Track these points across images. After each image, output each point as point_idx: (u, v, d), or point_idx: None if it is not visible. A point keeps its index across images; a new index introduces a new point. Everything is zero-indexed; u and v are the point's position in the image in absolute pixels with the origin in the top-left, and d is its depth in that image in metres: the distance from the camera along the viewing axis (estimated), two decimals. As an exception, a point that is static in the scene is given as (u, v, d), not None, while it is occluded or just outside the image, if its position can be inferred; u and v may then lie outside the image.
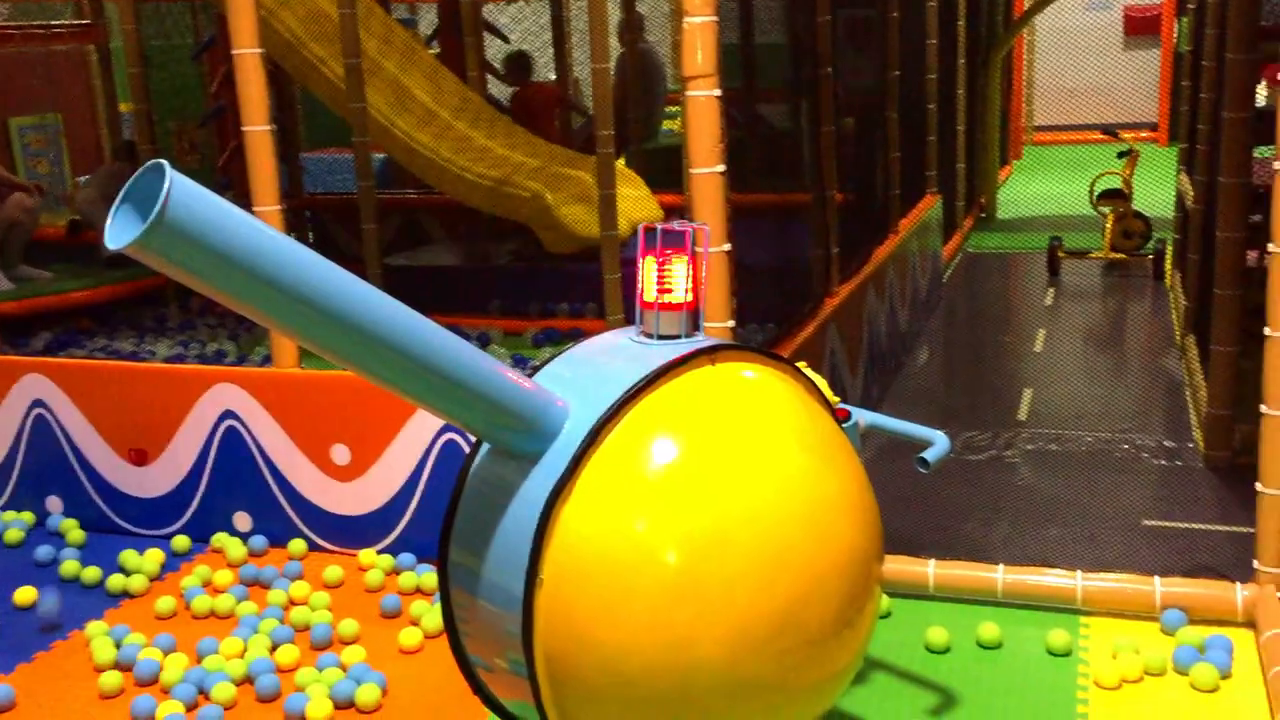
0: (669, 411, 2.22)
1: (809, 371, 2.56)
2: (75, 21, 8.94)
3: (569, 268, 6.53)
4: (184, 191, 1.67)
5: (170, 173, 1.65)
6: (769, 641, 2.18)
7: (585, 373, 2.35)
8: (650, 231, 2.36)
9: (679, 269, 2.34)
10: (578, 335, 5.04)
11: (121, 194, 1.72)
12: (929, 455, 2.76)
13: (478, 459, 2.38)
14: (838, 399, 2.73)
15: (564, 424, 2.21)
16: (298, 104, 8.18)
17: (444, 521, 2.38)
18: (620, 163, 6.52)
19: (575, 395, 2.25)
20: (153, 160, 1.69)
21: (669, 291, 2.35)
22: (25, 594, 3.84)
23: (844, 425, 2.64)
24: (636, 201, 6.55)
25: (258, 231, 1.79)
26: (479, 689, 2.43)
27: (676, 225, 2.36)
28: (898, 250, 6.29)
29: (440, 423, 3.87)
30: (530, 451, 2.22)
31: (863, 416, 2.86)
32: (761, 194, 4.98)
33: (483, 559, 2.26)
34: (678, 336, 2.37)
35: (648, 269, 2.36)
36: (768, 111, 5.43)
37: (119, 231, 1.70)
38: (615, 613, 2.13)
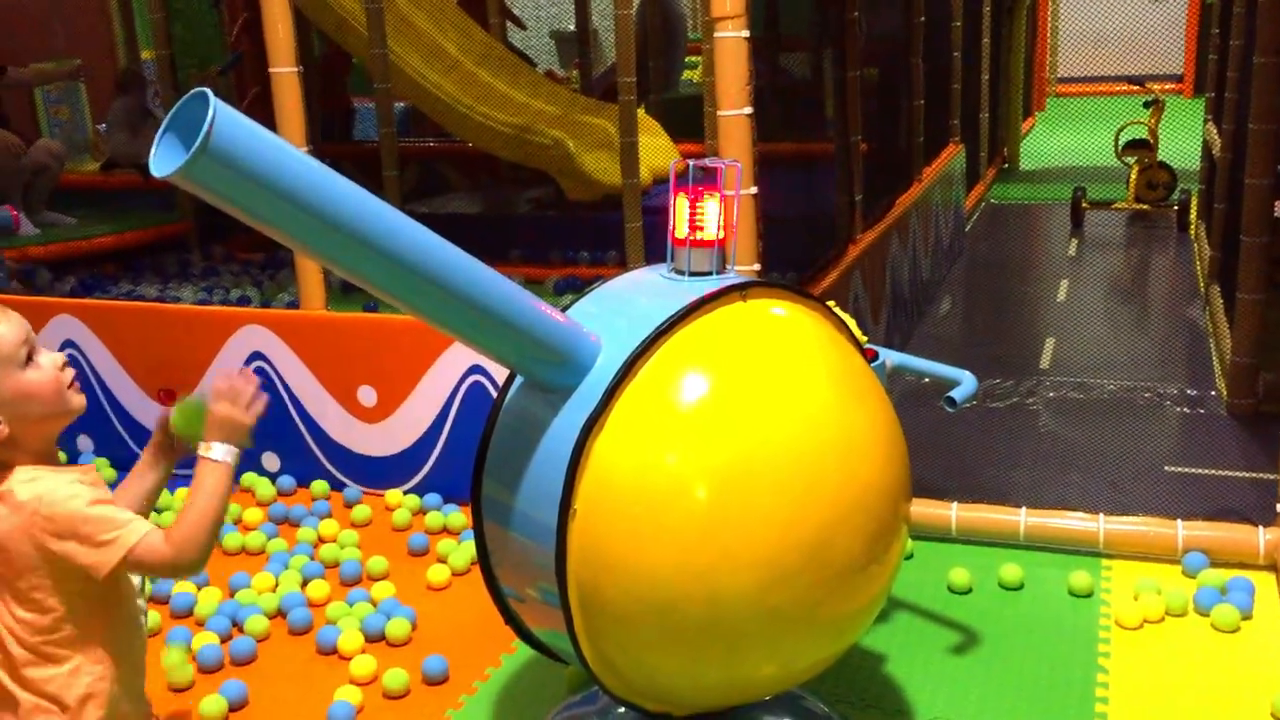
0: (701, 346, 2.24)
1: (838, 310, 2.57)
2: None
3: (590, 216, 6.54)
4: (228, 120, 1.69)
5: (214, 101, 1.66)
6: (797, 573, 2.21)
7: (618, 308, 2.37)
8: (683, 168, 2.37)
9: (711, 205, 2.35)
10: (599, 282, 5.04)
11: (165, 122, 1.73)
12: (956, 394, 2.77)
13: (510, 394, 2.40)
14: (866, 338, 2.75)
15: (597, 358, 2.23)
16: (316, 52, 8.17)
17: (476, 456, 2.41)
18: (640, 111, 6.50)
19: (608, 330, 2.27)
20: (197, 88, 1.70)
21: (701, 228, 2.36)
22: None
23: (872, 364, 2.66)
24: (657, 150, 6.56)
25: (300, 161, 1.80)
26: (511, 619, 2.47)
27: (709, 162, 2.37)
28: (921, 199, 6.27)
29: (466, 365, 3.90)
30: (564, 385, 2.24)
31: (890, 356, 2.88)
32: (787, 141, 4.96)
33: (516, 492, 2.29)
34: (709, 273, 2.38)
35: (680, 205, 2.36)
36: (793, 59, 5.39)
37: (163, 160, 1.71)
38: (646, 543, 2.15)
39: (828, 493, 2.24)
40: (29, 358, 1.86)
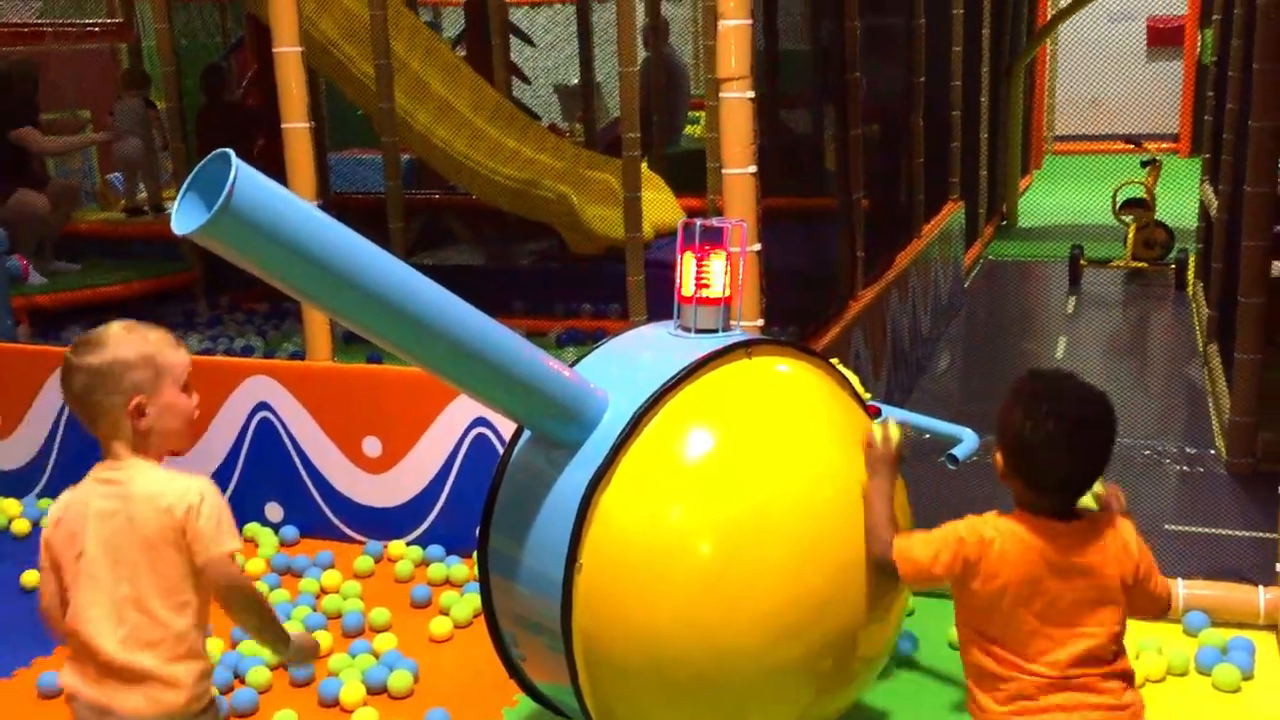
0: (706, 402, 2.27)
1: (842, 367, 2.60)
2: (108, 20, 9.04)
3: (593, 268, 6.59)
4: (249, 180, 1.73)
5: (236, 162, 1.71)
6: (800, 629, 2.23)
7: (625, 364, 2.41)
8: (689, 227, 2.41)
9: (718, 264, 2.39)
10: (601, 336, 5.08)
11: (187, 181, 1.78)
12: (958, 452, 2.80)
13: (518, 448, 2.43)
14: (869, 395, 2.78)
15: (604, 413, 2.27)
16: (323, 104, 8.26)
17: (484, 510, 2.43)
18: (643, 166, 6.58)
19: (615, 386, 2.31)
20: (219, 149, 1.75)
21: (707, 286, 2.40)
22: (61, 579, 3.90)
23: (875, 421, 2.69)
24: (660, 204, 6.63)
25: (318, 220, 1.85)
26: (514, 672, 2.48)
27: (716, 222, 2.42)
28: (921, 255, 6.34)
29: (471, 417, 3.93)
30: (571, 440, 2.27)
31: (893, 413, 2.90)
32: (789, 197, 5.02)
33: (522, 545, 2.32)
34: (715, 330, 2.42)
35: (687, 264, 2.41)
36: (795, 117, 5.47)
37: (185, 218, 1.76)
38: (651, 598, 2.18)
39: (831, 548, 2.26)
40: (186, 387, 2.17)
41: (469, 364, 2.11)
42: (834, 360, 2.64)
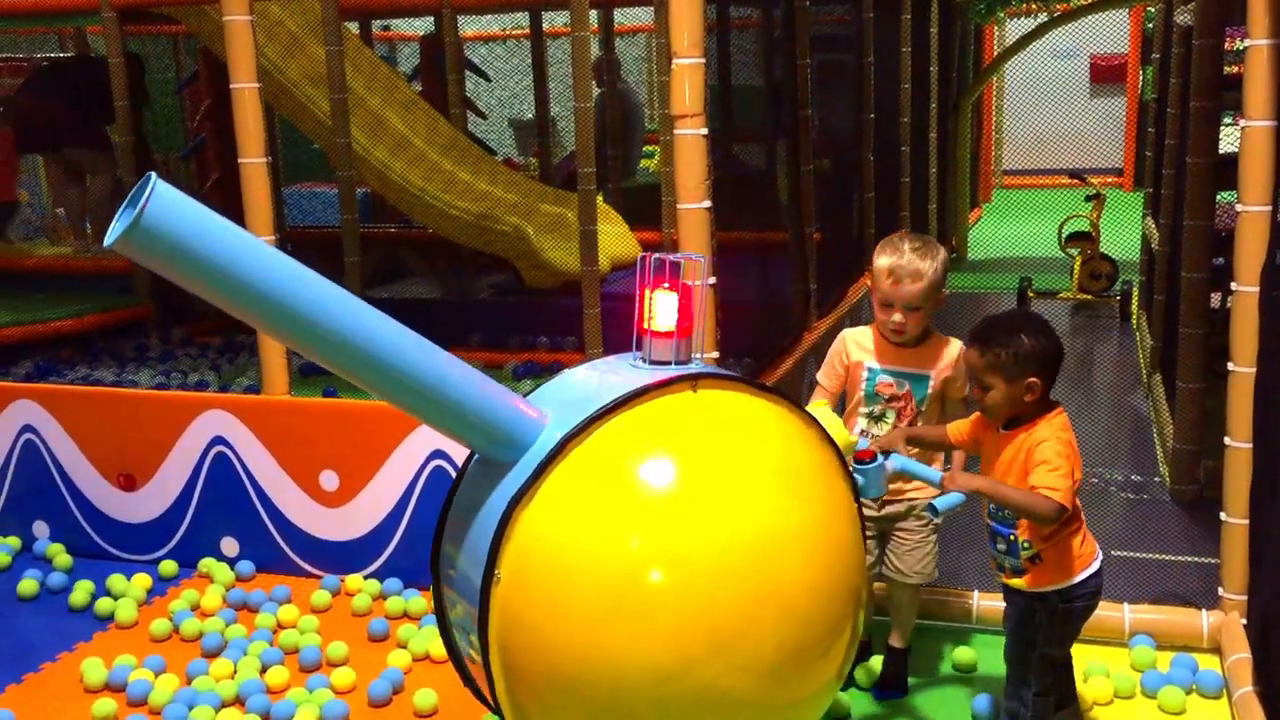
0: (639, 431, 2.28)
1: (818, 412, 2.57)
2: (60, 55, 9.00)
3: (549, 302, 6.64)
4: (164, 198, 1.86)
5: (155, 181, 1.85)
6: (701, 663, 2.19)
7: (574, 390, 2.46)
8: (649, 261, 2.46)
9: (671, 298, 2.44)
10: (557, 368, 5.11)
11: (125, 202, 1.90)
12: (939, 503, 2.81)
13: (470, 465, 2.50)
14: (855, 439, 2.76)
15: (539, 435, 2.31)
16: (278, 138, 8.27)
17: (438, 520, 2.50)
18: (599, 200, 6.64)
19: (558, 409, 2.36)
20: (148, 173, 1.87)
21: (662, 319, 2.45)
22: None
23: (868, 467, 2.70)
24: (616, 238, 6.69)
25: (236, 235, 1.96)
26: (468, 680, 2.52)
27: (674, 256, 2.47)
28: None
29: (429, 450, 3.94)
30: (506, 459, 2.32)
31: (892, 461, 2.86)
32: (743, 231, 5.09)
33: (458, 555, 2.39)
34: (669, 362, 2.46)
35: (645, 297, 2.46)
36: (748, 152, 5.56)
37: (113, 230, 1.88)
38: (560, 615, 2.19)
39: (742, 585, 2.22)
40: (887, 304, 3.26)
41: (386, 374, 2.17)
42: (822, 403, 2.67)
